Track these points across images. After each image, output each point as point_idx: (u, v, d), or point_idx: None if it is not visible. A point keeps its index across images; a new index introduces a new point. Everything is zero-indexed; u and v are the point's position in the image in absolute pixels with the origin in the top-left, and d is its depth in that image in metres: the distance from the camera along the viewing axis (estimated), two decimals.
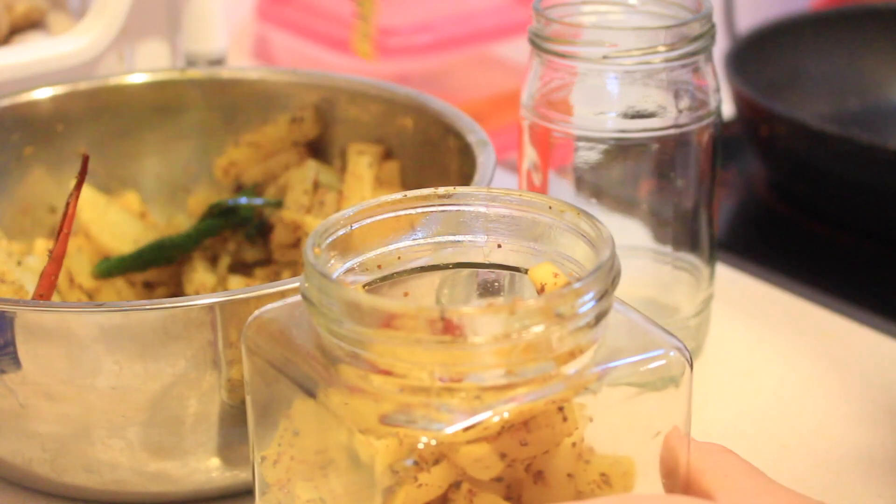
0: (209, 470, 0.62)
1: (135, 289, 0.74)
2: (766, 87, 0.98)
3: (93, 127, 0.79)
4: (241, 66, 1.08)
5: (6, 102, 0.77)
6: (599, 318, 0.47)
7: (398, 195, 0.52)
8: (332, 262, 0.50)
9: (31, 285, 0.68)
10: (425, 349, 0.45)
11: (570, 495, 0.48)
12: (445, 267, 0.53)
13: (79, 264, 0.73)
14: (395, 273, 0.52)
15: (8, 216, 0.77)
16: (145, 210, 0.79)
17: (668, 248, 0.74)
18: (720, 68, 0.81)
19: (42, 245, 0.75)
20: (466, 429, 0.44)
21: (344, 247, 0.51)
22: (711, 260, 0.74)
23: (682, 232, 0.74)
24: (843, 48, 1.08)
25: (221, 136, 0.80)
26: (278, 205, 0.75)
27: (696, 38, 0.68)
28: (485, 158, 0.68)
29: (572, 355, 0.47)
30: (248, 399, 0.52)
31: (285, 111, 0.78)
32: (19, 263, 0.70)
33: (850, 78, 1.07)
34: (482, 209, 0.53)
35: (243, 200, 0.75)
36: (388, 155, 0.76)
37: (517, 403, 0.45)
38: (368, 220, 0.52)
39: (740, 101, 0.96)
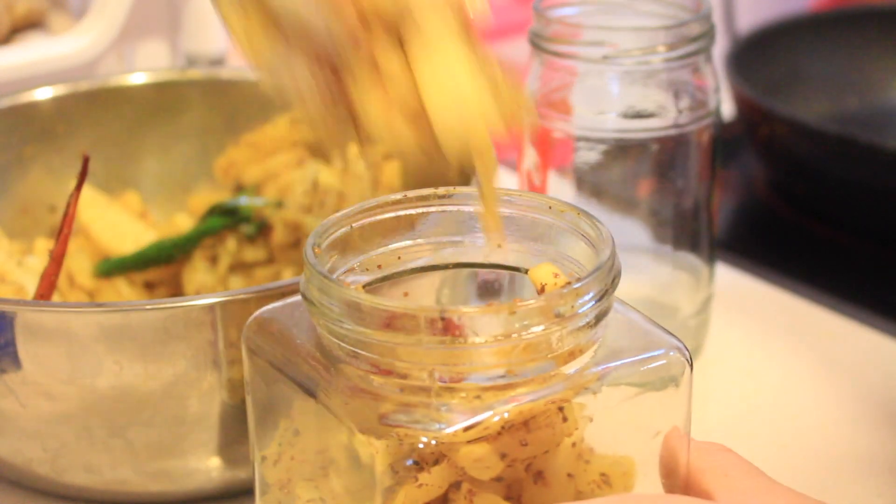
0: (209, 470, 0.62)
1: (135, 289, 0.74)
2: (766, 87, 0.98)
3: (93, 127, 0.79)
4: (241, 66, 1.08)
5: (6, 102, 0.77)
6: (599, 318, 0.47)
7: (398, 195, 0.52)
8: (333, 262, 0.50)
9: (31, 285, 0.68)
10: (425, 349, 0.45)
11: (570, 495, 0.48)
12: (445, 267, 0.53)
13: (79, 264, 0.73)
14: (395, 273, 0.52)
15: (8, 216, 0.77)
16: (145, 210, 0.79)
17: (668, 248, 0.74)
18: (720, 68, 0.81)
19: (42, 245, 0.75)
20: (466, 429, 0.44)
21: (344, 247, 0.51)
22: (711, 260, 0.74)
23: (681, 232, 0.74)
24: (843, 48, 1.08)
25: (221, 136, 0.80)
26: (278, 205, 0.75)
27: (695, 38, 0.69)
28: None
29: (572, 355, 0.47)
30: (249, 399, 0.52)
31: (285, 111, 0.78)
32: (19, 263, 0.70)
33: (850, 78, 1.07)
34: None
35: (243, 200, 0.75)
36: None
37: (517, 403, 0.45)
38: (368, 220, 0.52)
39: (740, 101, 0.96)
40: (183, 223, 0.78)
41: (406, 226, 0.53)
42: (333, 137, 0.47)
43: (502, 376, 0.46)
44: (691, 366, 0.48)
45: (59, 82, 0.79)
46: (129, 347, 0.58)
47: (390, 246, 0.52)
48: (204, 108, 0.80)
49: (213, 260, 0.75)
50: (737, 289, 0.83)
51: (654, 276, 0.74)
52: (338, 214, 0.51)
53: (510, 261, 0.53)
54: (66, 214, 0.65)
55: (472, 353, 0.45)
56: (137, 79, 0.80)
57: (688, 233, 0.73)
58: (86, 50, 0.85)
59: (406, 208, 0.52)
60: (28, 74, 0.82)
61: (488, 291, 0.55)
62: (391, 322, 0.45)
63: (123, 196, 0.79)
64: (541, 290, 0.49)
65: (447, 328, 0.45)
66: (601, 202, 0.73)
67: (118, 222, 0.75)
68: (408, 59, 0.44)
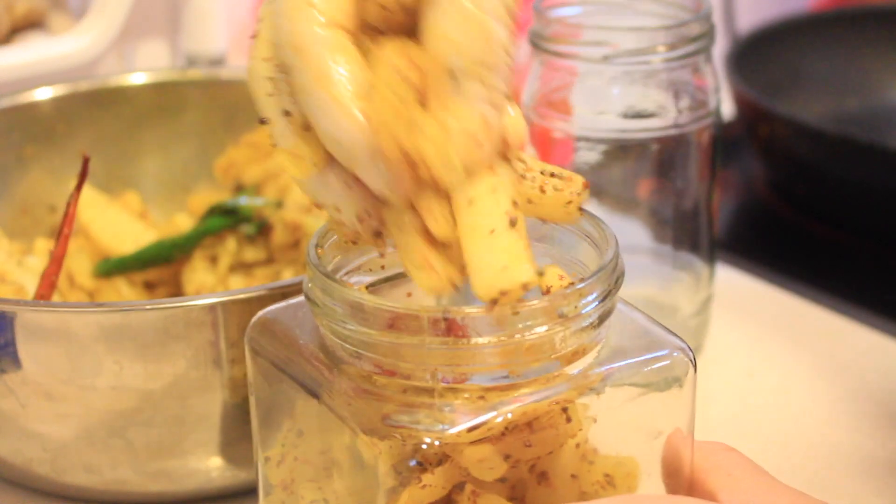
0: (209, 470, 0.62)
1: (135, 289, 0.74)
2: (766, 87, 0.98)
3: (93, 127, 0.79)
4: (241, 66, 1.08)
5: (6, 102, 0.77)
6: (603, 318, 0.47)
7: None
8: (335, 262, 0.50)
9: (31, 285, 0.68)
10: (428, 350, 0.45)
11: (574, 496, 0.48)
12: None
13: (79, 264, 0.73)
14: (398, 274, 0.52)
15: (8, 216, 0.77)
16: (145, 210, 0.79)
17: (668, 248, 0.74)
18: (720, 68, 0.81)
19: (42, 245, 0.75)
20: (470, 429, 0.44)
21: (346, 247, 0.51)
22: (711, 260, 0.74)
23: (682, 232, 0.74)
24: (843, 48, 1.08)
25: (221, 136, 0.80)
26: (278, 205, 0.75)
27: (695, 38, 0.68)
28: None
29: (576, 356, 0.47)
30: (252, 400, 0.52)
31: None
32: (19, 263, 0.70)
33: (850, 78, 1.07)
34: None
35: (243, 200, 0.75)
36: None
37: (521, 404, 0.45)
38: None
39: (740, 101, 0.96)
40: (183, 223, 0.78)
41: None
42: (354, 238, 0.48)
43: (505, 377, 0.46)
44: (695, 366, 0.49)
45: (59, 82, 0.79)
46: (129, 347, 0.58)
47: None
48: (204, 108, 0.80)
49: (213, 260, 0.75)
50: (737, 289, 0.83)
51: (654, 276, 0.74)
52: None
53: None
54: (66, 214, 0.65)
55: (474, 354, 0.45)
56: (137, 79, 0.80)
57: (688, 233, 0.73)
58: (86, 50, 0.85)
59: None
60: (28, 74, 0.82)
61: None
62: (394, 323, 0.45)
63: (123, 196, 0.79)
64: (546, 293, 0.49)
65: (450, 329, 0.45)
66: (601, 202, 0.73)
67: (118, 222, 0.75)
68: (453, 211, 0.45)
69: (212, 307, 0.58)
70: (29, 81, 0.80)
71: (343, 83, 0.44)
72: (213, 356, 0.58)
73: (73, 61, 0.84)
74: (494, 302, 0.44)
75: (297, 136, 0.47)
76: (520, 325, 0.45)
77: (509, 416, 0.45)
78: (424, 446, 0.44)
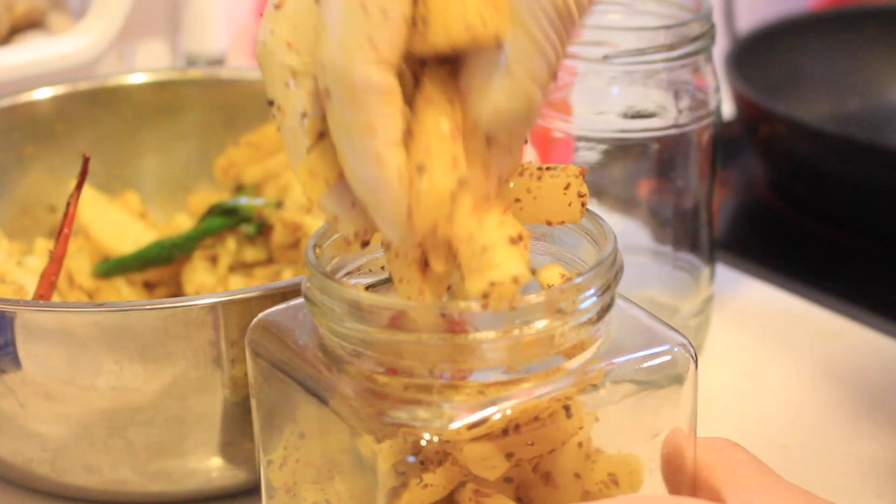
0: (209, 470, 0.62)
1: (135, 289, 0.74)
2: (766, 87, 0.98)
3: (93, 127, 0.79)
4: (241, 66, 1.08)
5: (6, 102, 0.77)
6: (602, 313, 0.47)
7: None
8: (334, 263, 0.50)
9: (31, 285, 0.68)
10: (427, 347, 0.45)
11: (579, 496, 0.47)
12: None
13: (79, 264, 0.73)
14: None
15: (8, 216, 0.77)
16: (145, 210, 0.79)
17: (668, 248, 0.74)
18: (720, 68, 0.81)
19: (42, 245, 0.75)
20: (470, 426, 0.44)
21: (346, 247, 0.51)
22: (711, 260, 0.74)
23: (682, 232, 0.74)
24: (843, 48, 1.08)
25: (221, 136, 0.80)
26: (278, 205, 0.75)
27: (695, 38, 0.68)
28: None
29: (575, 351, 0.47)
30: (254, 402, 0.52)
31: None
32: (19, 263, 0.70)
33: (850, 78, 1.07)
34: None
35: (243, 200, 0.75)
36: None
37: (521, 400, 0.45)
38: None
39: (740, 101, 0.96)
40: (183, 223, 0.78)
41: None
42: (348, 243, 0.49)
43: (505, 373, 0.46)
44: (696, 362, 0.48)
45: (59, 82, 0.79)
46: (128, 347, 0.58)
47: None
48: (204, 108, 0.80)
49: (213, 260, 0.75)
50: (737, 289, 0.83)
51: (654, 276, 0.74)
52: None
53: None
54: (66, 214, 0.65)
55: (473, 350, 0.45)
56: (137, 79, 0.80)
57: (688, 233, 0.73)
58: (86, 50, 0.85)
59: None
60: (28, 74, 0.82)
61: None
62: (393, 320, 0.45)
63: (123, 196, 0.79)
64: None
65: (449, 325, 0.45)
66: (601, 202, 0.73)
67: (118, 222, 0.75)
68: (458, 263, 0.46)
69: (212, 307, 0.58)
70: (29, 81, 0.80)
71: (388, 136, 0.44)
72: (213, 356, 0.58)
73: (73, 61, 0.84)
74: (486, 295, 0.44)
75: (309, 139, 0.46)
76: (518, 321, 0.45)
77: (509, 411, 0.45)
78: (424, 443, 0.44)
